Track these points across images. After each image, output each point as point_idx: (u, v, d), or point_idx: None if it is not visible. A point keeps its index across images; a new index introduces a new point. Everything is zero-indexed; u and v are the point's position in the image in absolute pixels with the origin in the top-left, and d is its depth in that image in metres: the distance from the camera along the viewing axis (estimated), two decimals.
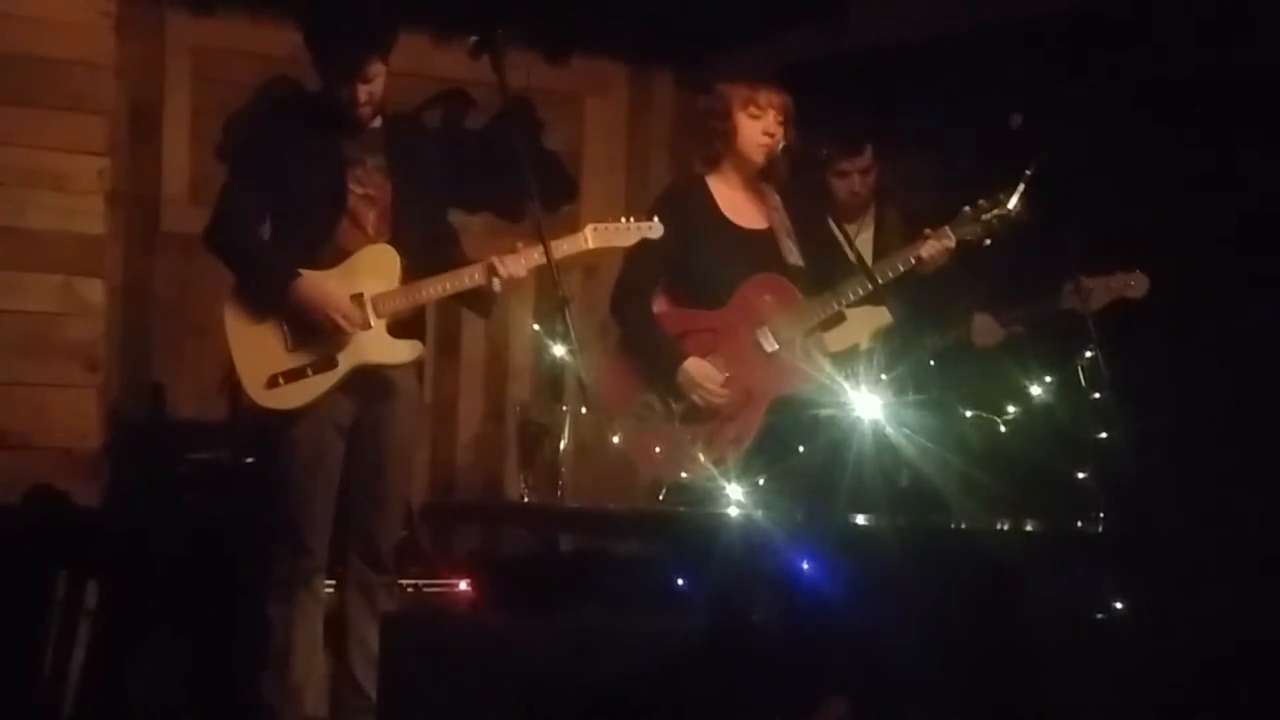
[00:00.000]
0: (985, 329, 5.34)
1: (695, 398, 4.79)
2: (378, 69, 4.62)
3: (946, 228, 4.83)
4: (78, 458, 5.57)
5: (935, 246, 4.81)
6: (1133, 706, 3.68)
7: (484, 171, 6.19)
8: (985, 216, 4.80)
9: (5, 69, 5.55)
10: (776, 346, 4.87)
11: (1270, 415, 5.03)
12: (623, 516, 4.37)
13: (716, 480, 4.61)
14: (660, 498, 4.76)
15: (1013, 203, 4.77)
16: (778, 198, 5.04)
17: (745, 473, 4.49)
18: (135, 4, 6.08)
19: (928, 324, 5.21)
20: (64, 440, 5.58)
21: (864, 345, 5.25)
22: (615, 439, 4.55)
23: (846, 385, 4.68)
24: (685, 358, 4.80)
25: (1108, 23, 5.36)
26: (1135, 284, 5.09)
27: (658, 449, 4.72)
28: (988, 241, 4.84)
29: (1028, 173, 4.75)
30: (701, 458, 4.68)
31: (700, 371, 4.80)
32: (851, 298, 4.86)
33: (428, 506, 6.34)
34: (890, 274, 4.85)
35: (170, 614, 5.07)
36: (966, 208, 4.83)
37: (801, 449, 4.77)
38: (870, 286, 4.81)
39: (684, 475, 4.69)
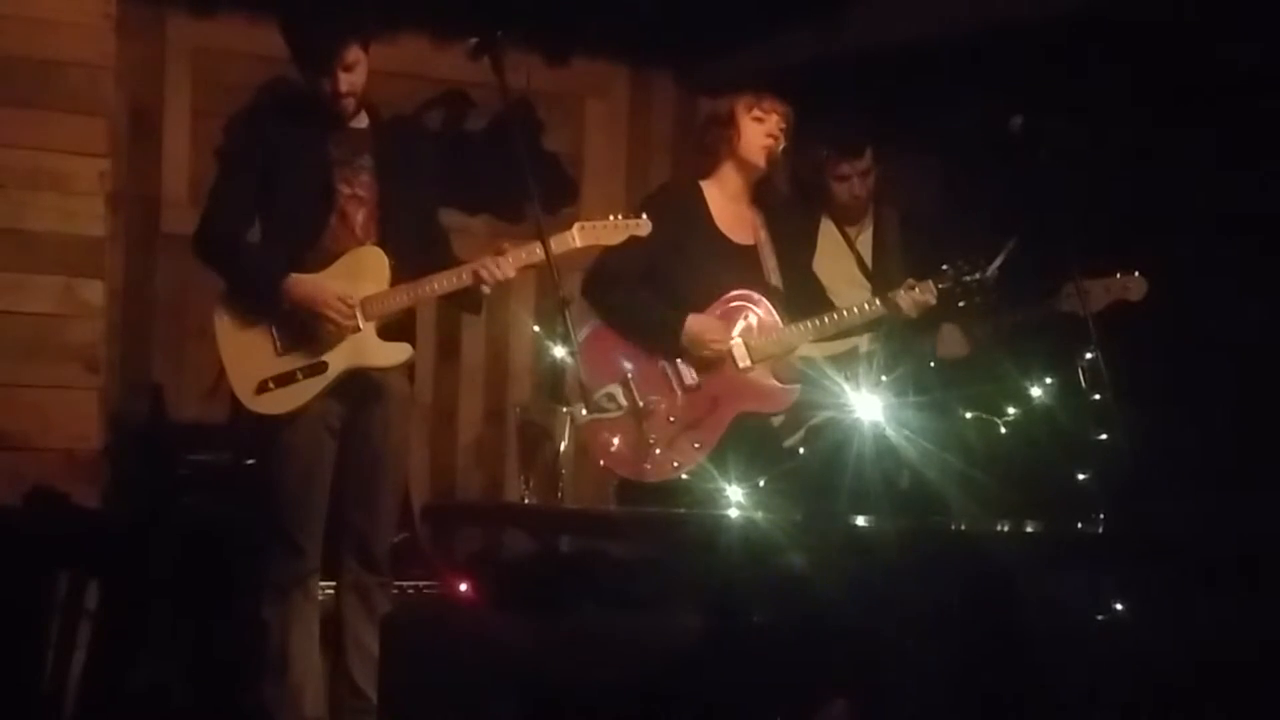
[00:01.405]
0: (951, 341, 5.35)
1: (706, 353, 4.79)
2: (356, 55, 4.60)
3: (930, 282, 4.86)
4: (78, 459, 5.57)
5: (917, 299, 4.84)
6: (1133, 707, 3.68)
7: (484, 173, 6.19)
8: (965, 279, 4.84)
9: (5, 70, 5.55)
10: (750, 363, 4.87)
11: (1270, 416, 5.03)
12: (623, 518, 4.37)
13: (672, 482, 4.63)
14: (612, 490, 4.79)
15: (991, 270, 4.81)
16: (763, 217, 5.06)
17: (701, 479, 4.50)
18: (136, 5, 6.08)
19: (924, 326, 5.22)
20: (64, 442, 5.57)
21: (864, 347, 5.25)
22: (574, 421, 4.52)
23: (831, 402, 4.70)
24: (685, 318, 4.80)
25: (1108, 23, 5.36)
26: (1134, 286, 5.11)
27: (615, 441, 4.72)
28: (961, 303, 4.88)
29: (1010, 244, 4.80)
30: (660, 458, 4.69)
31: (705, 326, 4.81)
32: (842, 321, 4.88)
33: (428, 508, 6.34)
34: (868, 308, 4.87)
35: (171, 615, 5.07)
36: (946, 266, 4.87)
37: (801, 450, 4.78)
38: (877, 303, 4.84)
39: (640, 477, 4.70)
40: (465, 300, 4.81)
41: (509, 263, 4.62)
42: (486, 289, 4.64)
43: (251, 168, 4.69)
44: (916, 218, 5.59)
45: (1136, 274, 5.11)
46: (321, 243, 4.65)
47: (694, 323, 4.82)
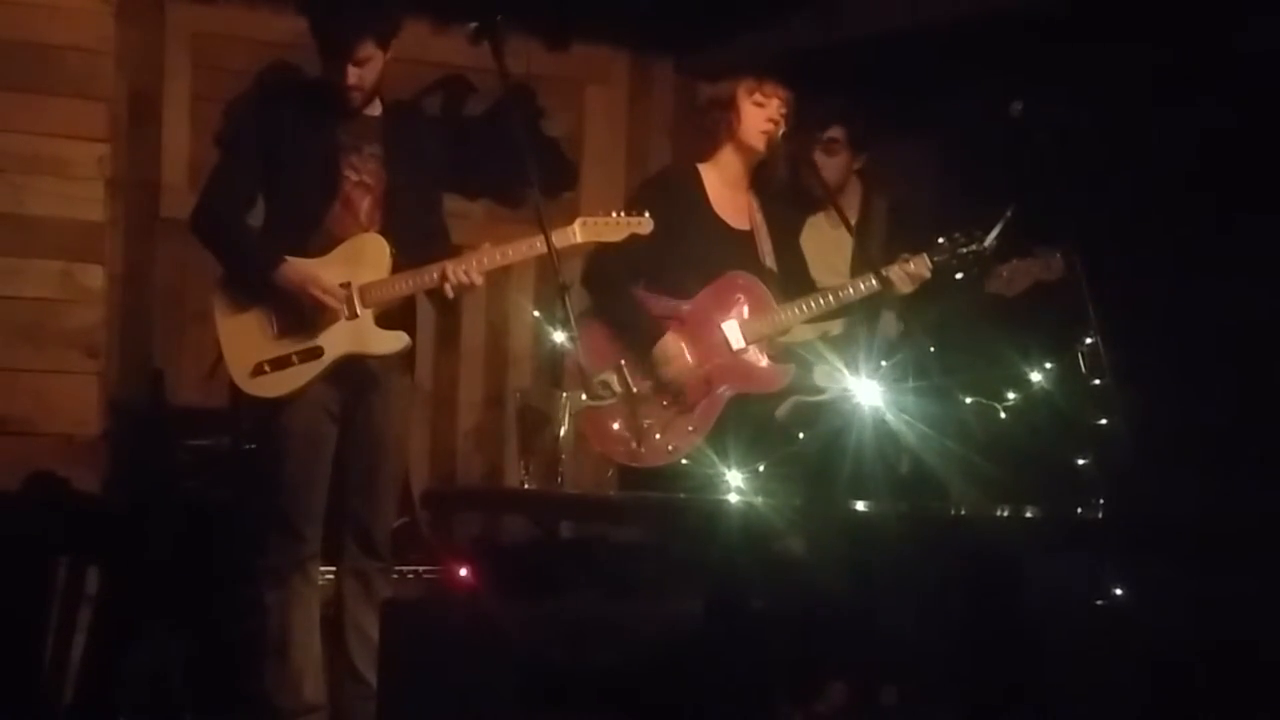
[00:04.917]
0: (886, 324, 5.33)
1: (664, 374, 4.79)
2: (370, 52, 4.60)
3: (924, 256, 4.85)
4: (78, 444, 5.57)
5: (911, 272, 4.84)
6: (1132, 692, 3.68)
7: (484, 158, 6.18)
8: (961, 251, 4.83)
9: (5, 55, 5.55)
10: (744, 344, 4.88)
11: (1270, 400, 5.03)
12: (622, 503, 4.37)
13: (669, 467, 4.64)
14: (609, 476, 4.79)
15: (989, 241, 4.80)
16: (759, 201, 5.06)
17: (701, 464, 4.50)
18: None
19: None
20: (64, 427, 5.58)
21: (834, 330, 5.24)
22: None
23: (829, 385, 4.70)
24: (663, 333, 4.81)
25: (1108, 9, 5.36)
26: (1052, 266, 5.01)
27: (610, 427, 4.73)
28: (959, 275, 4.87)
29: (1007, 214, 4.78)
30: (655, 443, 4.69)
31: (673, 350, 4.81)
32: (836, 300, 4.88)
33: (428, 493, 6.35)
34: (864, 287, 4.86)
35: (170, 601, 5.08)
36: (942, 239, 4.86)
37: (801, 435, 4.78)
38: (876, 283, 4.83)
39: (635, 462, 4.71)
40: (436, 303, 4.81)
41: (474, 267, 4.62)
42: (450, 290, 4.62)
43: (253, 150, 4.69)
44: (913, 205, 5.57)
45: (1057, 255, 5.02)
46: (324, 227, 4.65)
47: (665, 343, 4.81)
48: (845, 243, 5.27)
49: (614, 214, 4.74)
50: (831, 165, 5.44)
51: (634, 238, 4.75)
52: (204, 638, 5.03)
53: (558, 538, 5.62)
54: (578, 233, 4.67)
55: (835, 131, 5.45)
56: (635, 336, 4.83)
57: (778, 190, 5.13)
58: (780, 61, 5.21)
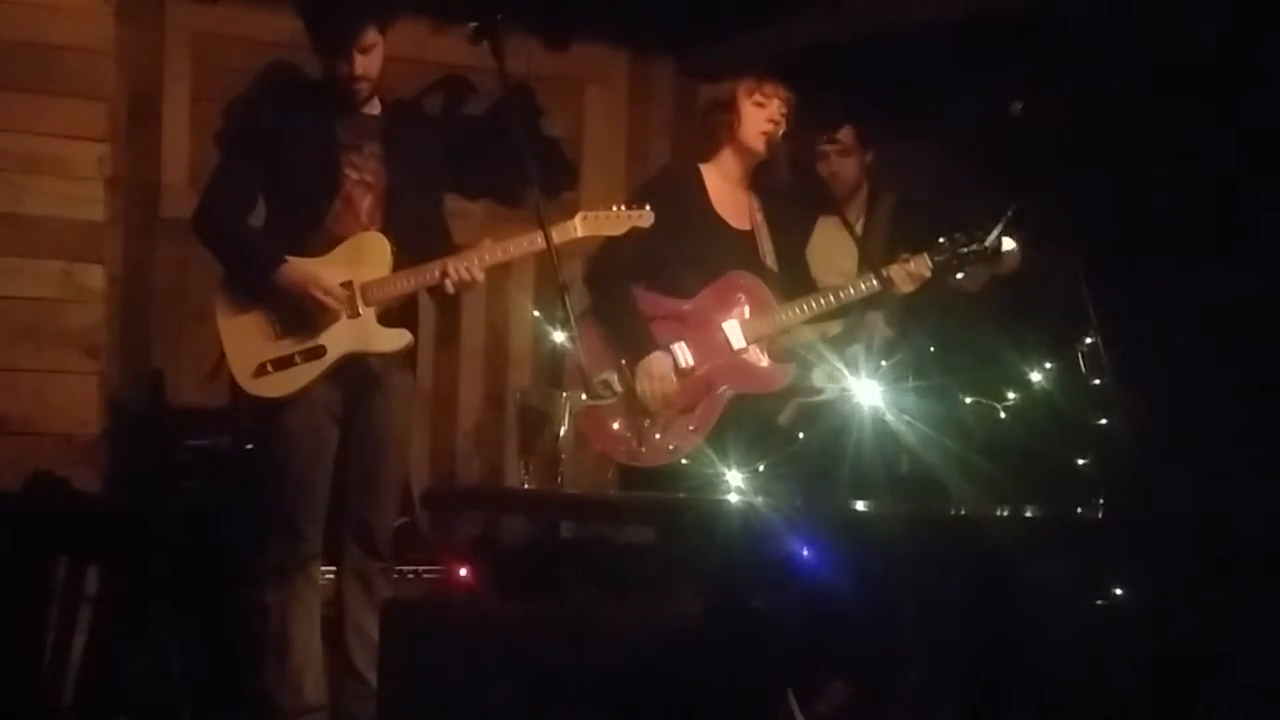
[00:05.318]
0: (874, 329, 5.33)
1: (641, 388, 4.75)
2: (374, 39, 4.60)
3: (925, 256, 4.84)
4: (78, 444, 5.58)
5: (912, 272, 4.83)
6: (1132, 692, 3.68)
7: (484, 158, 6.19)
8: (963, 251, 4.83)
9: (5, 55, 5.55)
10: (744, 344, 4.88)
11: (1270, 400, 5.03)
12: (623, 503, 4.37)
13: (669, 467, 4.64)
14: (609, 476, 4.79)
15: (990, 240, 4.79)
16: (760, 200, 5.06)
17: (700, 464, 4.50)
18: None
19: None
20: (64, 426, 5.58)
21: (832, 331, 5.24)
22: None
23: (830, 383, 4.70)
24: (654, 348, 4.79)
25: (1107, 6, 5.36)
26: (1007, 260, 4.99)
27: (611, 426, 4.72)
28: (960, 275, 4.86)
29: (1009, 213, 4.77)
30: (655, 443, 4.69)
31: (658, 369, 4.77)
32: (837, 300, 4.88)
33: (428, 493, 6.35)
34: (865, 287, 4.86)
35: (170, 600, 5.08)
36: (943, 239, 4.85)
37: (801, 435, 4.78)
38: (877, 283, 4.83)
39: (635, 461, 4.71)
40: (438, 300, 4.81)
41: (474, 262, 4.62)
42: (450, 285, 4.63)
43: (253, 150, 4.69)
44: (919, 203, 5.57)
45: (1013, 246, 4.99)
46: (325, 226, 4.65)
47: (653, 360, 4.79)
48: (852, 245, 5.27)
49: (615, 207, 4.74)
50: (847, 166, 5.46)
51: (636, 236, 4.75)
52: (204, 637, 5.03)
53: (557, 538, 5.62)
54: (579, 227, 4.68)
55: (844, 134, 5.46)
56: (627, 345, 4.81)
57: (779, 190, 5.13)
58: (780, 61, 5.20)
